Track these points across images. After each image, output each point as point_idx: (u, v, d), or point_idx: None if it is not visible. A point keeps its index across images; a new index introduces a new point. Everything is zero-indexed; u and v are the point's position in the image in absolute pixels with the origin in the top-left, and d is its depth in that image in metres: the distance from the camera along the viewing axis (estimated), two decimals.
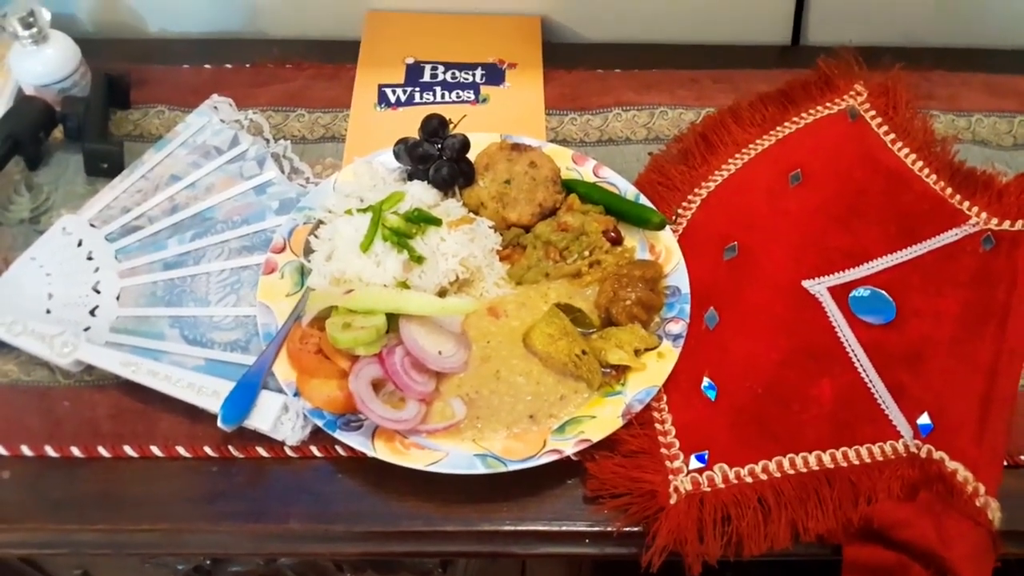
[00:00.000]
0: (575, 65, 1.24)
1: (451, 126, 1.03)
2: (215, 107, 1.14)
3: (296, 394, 0.87)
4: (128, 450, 0.87)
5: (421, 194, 1.00)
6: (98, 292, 0.97)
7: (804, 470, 0.85)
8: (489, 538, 0.84)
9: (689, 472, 0.84)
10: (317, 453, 0.87)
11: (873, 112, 1.14)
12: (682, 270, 0.97)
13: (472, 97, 1.19)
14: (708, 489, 0.83)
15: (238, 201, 1.05)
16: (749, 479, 0.84)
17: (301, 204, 1.02)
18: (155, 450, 0.87)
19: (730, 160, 1.10)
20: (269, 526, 0.84)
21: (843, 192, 1.06)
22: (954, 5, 1.26)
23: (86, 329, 0.94)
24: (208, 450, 0.87)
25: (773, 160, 1.10)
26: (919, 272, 0.99)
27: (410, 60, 1.23)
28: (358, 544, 0.85)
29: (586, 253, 0.99)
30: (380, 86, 1.19)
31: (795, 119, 1.14)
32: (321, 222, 1.00)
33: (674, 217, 1.05)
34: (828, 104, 1.15)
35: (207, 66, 1.23)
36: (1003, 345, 0.91)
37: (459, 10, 1.28)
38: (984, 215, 1.03)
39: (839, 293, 0.97)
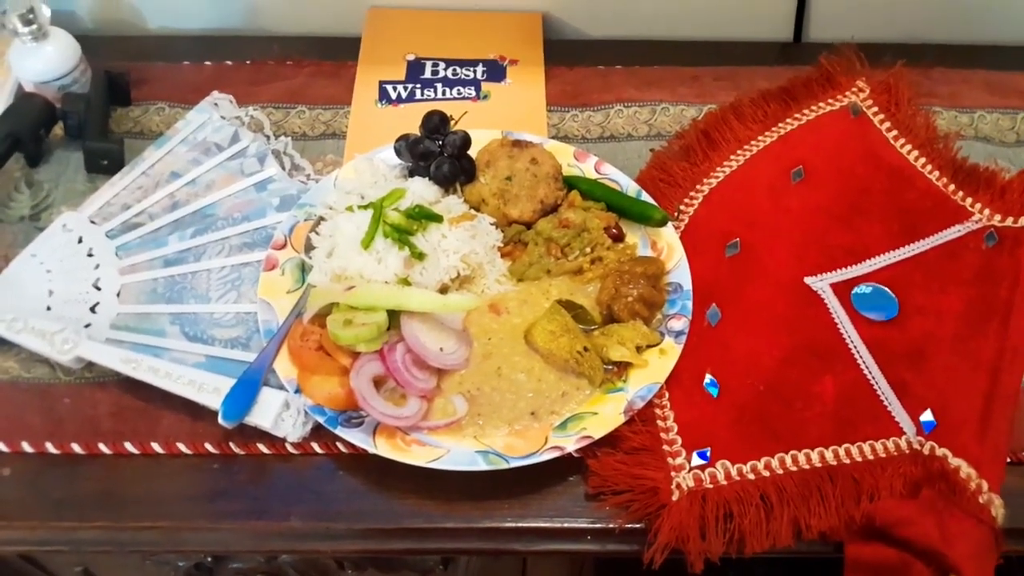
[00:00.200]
0: (576, 62, 1.24)
1: (452, 123, 1.03)
2: (215, 104, 1.14)
3: (297, 391, 0.87)
4: (129, 447, 0.87)
5: (422, 191, 1.00)
6: (99, 289, 0.97)
7: (806, 467, 0.85)
8: (491, 535, 0.84)
9: (691, 469, 0.84)
10: (318, 450, 0.87)
11: (875, 109, 1.13)
12: (684, 267, 0.97)
13: (473, 94, 1.18)
14: (710, 486, 0.83)
15: (239, 198, 1.05)
16: (751, 476, 0.84)
17: (302, 201, 1.01)
18: (156, 447, 0.87)
19: (732, 157, 1.10)
20: (270, 523, 0.84)
21: (845, 189, 1.06)
22: (956, 2, 1.26)
23: (87, 326, 0.93)
24: (209, 447, 0.87)
25: (775, 157, 1.10)
26: (922, 269, 0.99)
27: (411, 57, 1.23)
28: (359, 541, 0.85)
29: (588, 250, 0.99)
30: (381, 83, 1.19)
31: (797, 116, 1.14)
32: (322, 219, 1.00)
33: (676, 214, 1.05)
34: (830, 101, 1.15)
35: (207, 63, 1.23)
36: (1006, 342, 0.91)
37: (460, 6, 1.28)
38: (987, 212, 1.03)
39: (842, 290, 0.97)
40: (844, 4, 1.26)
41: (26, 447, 0.87)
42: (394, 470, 0.83)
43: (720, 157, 1.10)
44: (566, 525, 0.83)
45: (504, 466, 0.82)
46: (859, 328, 0.94)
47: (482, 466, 0.82)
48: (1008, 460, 0.85)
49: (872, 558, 0.80)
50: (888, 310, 0.96)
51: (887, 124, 1.12)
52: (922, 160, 1.08)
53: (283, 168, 1.09)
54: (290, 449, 0.87)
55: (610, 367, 0.90)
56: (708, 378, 0.90)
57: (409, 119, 1.07)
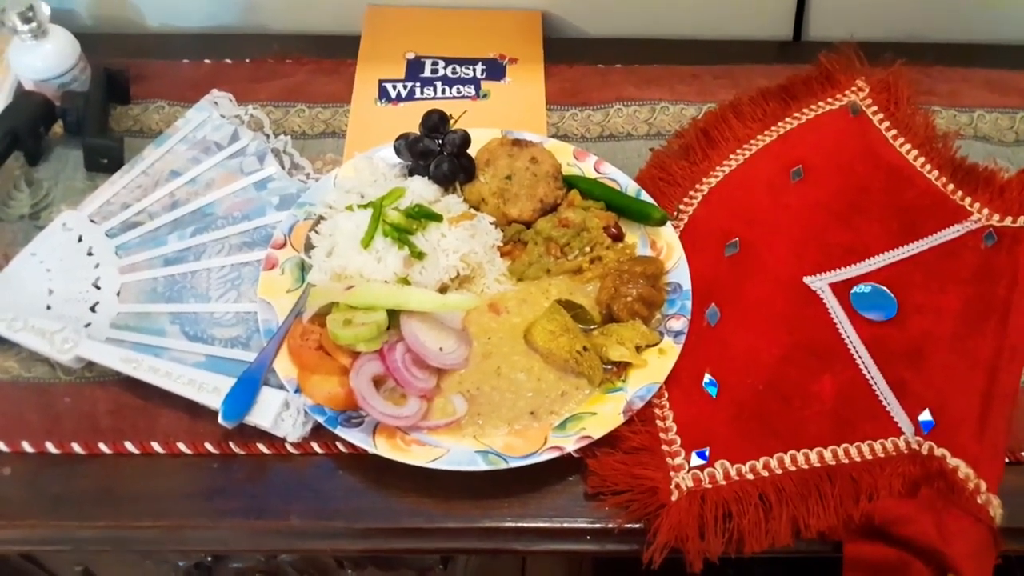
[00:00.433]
0: (576, 60, 1.24)
1: (452, 121, 1.03)
2: (215, 102, 1.14)
3: (297, 390, 0.87)
4: (129, 446, 0.87)
5: (422, 190, 1.00)
6: (98, 288, 0.97)
7: (805, 467, 0.85)
8: (490, 535, 0.84)
9: (690, 469, 0.84)
10: (318, 450, 0.87)
11: (875, 108, 1.13)
12: (683, 266, 0.97)
13: (473, 92, 1.18)
14: (709, 486, 0.83)
15: (238, 197, 1.05)
16: (750, 476, 0.84)
17: (301, 200, 1.01)
18: (156, 446, 0.87)
19: (731, 156, 1.10)
20: (270, 522, 0.84)
21: (844, 188, 1.06)
22: (955, 1, 1.25)
23: (87, 325, 0.93)
24: (209, 446, 0.87)
25: (774, 156, 1.10)
26: (921, 268, 0.99)
27: (411, 55, 1.23)
28: (359, 541, 0.85)
29: (587, 249, 0.99)
30: (380, 81, 1.19)
31: (796, 115, 1.14)
32: (322, 218, 1.00)
33: (675, 213, 1.05)
34: (829, 100, 1.15)
35: (207, 61, 1.23)
36: (1004, 341, 0.91)
37: (460, 5, 1.27)
38: (986, 211, 1.03)
39: (840, 289, 0.97)
40: (843, 3, 1.26)
41: (26, 446, 0.87)
42: (394, 469, 0.83)
43: (719, 156, 1.10)
44: (565, 525, 0.84)
45: (503, 466, 0.83)
46: (858, 327, 0.94)
47: (481, 466, 0.83)
48: (1006, 459, 0.85)
49: (871, 557, 0.80)
50: (887, 310, 0.96)
51: (886, 123, 1.12)
52: (921, 159, 1.08)
53: (283, 167, 1.09)
54: (290, 449, 0.87)
55: (609, 367, 0.91)
56: (707, 378, 0.91)
57: (409, 118, 1.07)
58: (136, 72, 1.17)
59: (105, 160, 1.07)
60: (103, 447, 0.87)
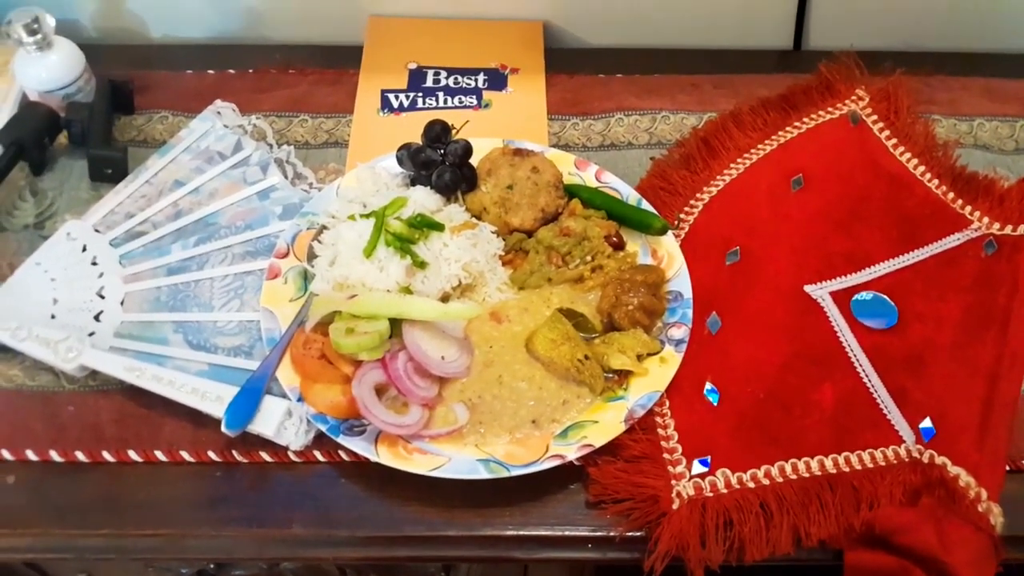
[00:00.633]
0: (577, 70, 1.25)
1: (453, 131, 1.03)
2: (218, 112, 1.15)
3: (299, 399, 0.87)
4: (132, 455, 0.87)
5: (424, 199, 1.00)
6: (102, 297, 0.97)
7: (806, 475, 0.85)
8: (491, 543, 0.84)
9: (691, 477, 0.85)
10: (320, 458, 0.88)
11: (875, 117, 1.14)
12: (684, 275, 0.97)
13: (474, 102, 1.19)
14: (710, 494, 0.84)
15: (241, 206, 1.06)
16: (751, 484, 0.84)
17: (304, 209, 1.02)
18: (159, 455, 0.87)
19: (732, 165, 1.10)
20: (272, 531, 0.84)
21: (845, 197, 1.06)
22: (955, 10, 1.26)
23: (90, 334, 0.94)
24: (212, 455, 0.88)
25: (775, 165, 1.10)
26: (921, 277, 0.99)
27: (413, 65, 1.23)
28: (361, 549, 0.86)
29: (588, 258, 0.99)
30: (383, 91, 1.20)
31: (796, 124, 1.14)
32: (324, 227, 1.00)
33: (676, 222, 1.05)
34: (830, 109, 1.16)
35: (210, 72, 1.23)
36: (1005, 350, 0.92)
37: (461, 15, 1.28)
38: (986, 220, 1.03)
39: (841, 298, 0.98)
40: (843, 12, 1.27)
41: (30, 455, 0.87)
42: (396, 478, 0.84)
43: (720, 165, 1.11)
44: (567, 533, 0.84)
45: (505, 474, 0.83)
46: (858, 336, 0.95)
47: (483, 474, 0.83)
48: (1007, 468, 0.85)
49: (872, 565, 0.80)
50: (887, 318, 0.96)
51: (886, 132, 1.12)
52: (921, 168, 1.09)
53: (286, 177, 1.09)
54: (292, 457, 0.87)
55: (611, 375, 0.91)
56: (708, 386, 0.91)
57: (411, 128, 1.08)
58: (140, 83, 1.18)
59: (109, 170, 1.08)
60: (107, 455, 0.87)
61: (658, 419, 0.89)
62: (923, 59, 1.23)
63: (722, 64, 1.26)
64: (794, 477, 0.85)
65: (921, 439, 0.86)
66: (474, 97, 1.19)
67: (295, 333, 0.91)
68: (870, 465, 0.86)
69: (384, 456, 0.84)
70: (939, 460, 0.84)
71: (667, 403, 0.90)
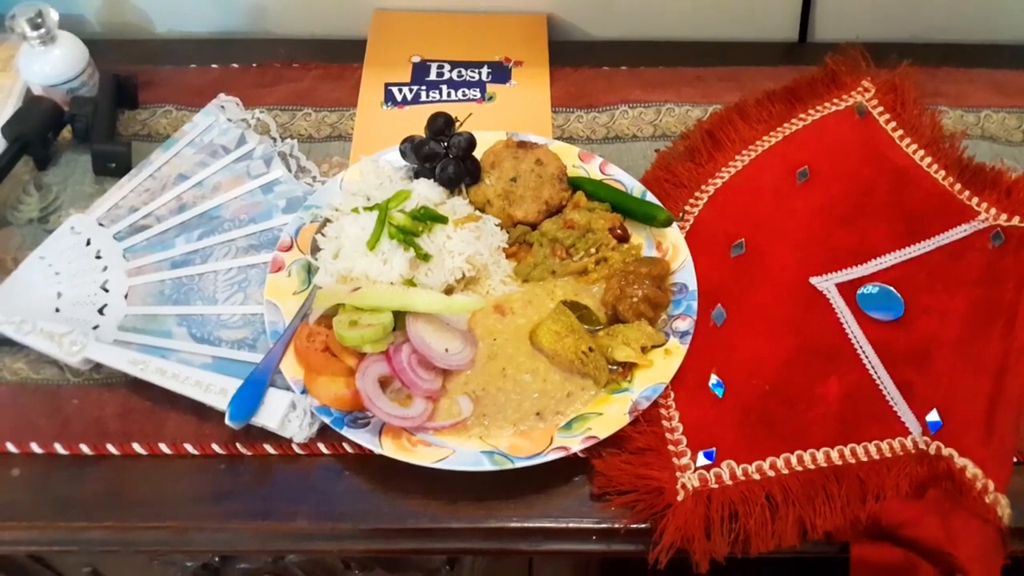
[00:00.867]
0: (581, 63, 1.24)
1: (457, 124, 1.03)
2: (222, 106, 1.15)
3: (303, 392, 0.87)
4: (136, 448, 0.87)
5: (427, 192, 1.00)
6: (106, 291, 0.98)
7: (812, 467, 0.85)
8: (496, 535, 0.84)
9: (696, 469, 0.84)
10: (324, 451, 0.88)
11: (881, 109, 1.13)
12: (689, 267, 0.97)
13: (478, 95, 1.19)
14: (715, 486, 0.83)
15: (245, 200, 1.06)
16: (756, 476, 0.84)
17: (308, 203, 1.02)
18: (163, 448, 0.88)
19: (737, 157, 1.10)
20: (277, 524, 0.84)
21: (851, 189, 1.06)
22: (961, 1, 1.25)
23: (95, 328, 0.94)
24: (216, 448, 0.88)
25: (780, 157, 1.10)
26: (927, 269, 0.99)
27: (416, 59, 1.23)
28: (365, 541, 0.86)
29: (592, 250, 0.99)
30: (386, 85, 1.20)
31: (802, 116, 1.14)
32: (328, 220, 1.00)
33: (681, 214, 1.05)
34: (835, 101, 1.15)
35: (214, 66, 1.24)
36: (1012, 342, 0.91)
37: (465, 9, 1.28)
38: (993, 211, 1.03)
39: (847, 290, 0.97)
40: (850, 4, 1.26)
41: (35, 448, 0.87)
42: (400, 470, 0.83)
43: (725, 158, 1.10)
44: (571, 525, 0.84)
45: (509, 466, 0.83)
46: (865, 328, 0.94)
47: (487, 466, 0.83)
48: (1014, 460, 0.85)
49: (878, 558, 0.80)
50: (894, 310, 0.96)
51: (892, 124, 1.12)
52: (928, 160, 1.08)
53: (289, 170, 1.09)
54: (296, 450, 0.87)
55: (615, 367, 0.91)
56: (713, 378, 0.90)
57: (414, 121, 1.08)
58: (144, 77, 1.19)
59: (113, 164, 1.08)
60: (111, 448, 0.87)
61: (663, 411, 0.89)
62: (929, 51, 1.23)
63: (727, 57, 1.26)
64: (799, 469, 0.84)
65: (928, 431, 0.86)
66: (478, 90, 1.19)
67: (299, 326, 0.91)
68: (876, 457, 0.85)
69: (388, 448, 0.83)
70: (946, 452, 0.83)
71: (672, 395, 0.89)
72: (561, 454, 0.83)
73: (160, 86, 1.20)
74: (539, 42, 1.25)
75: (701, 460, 0.85)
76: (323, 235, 0.99)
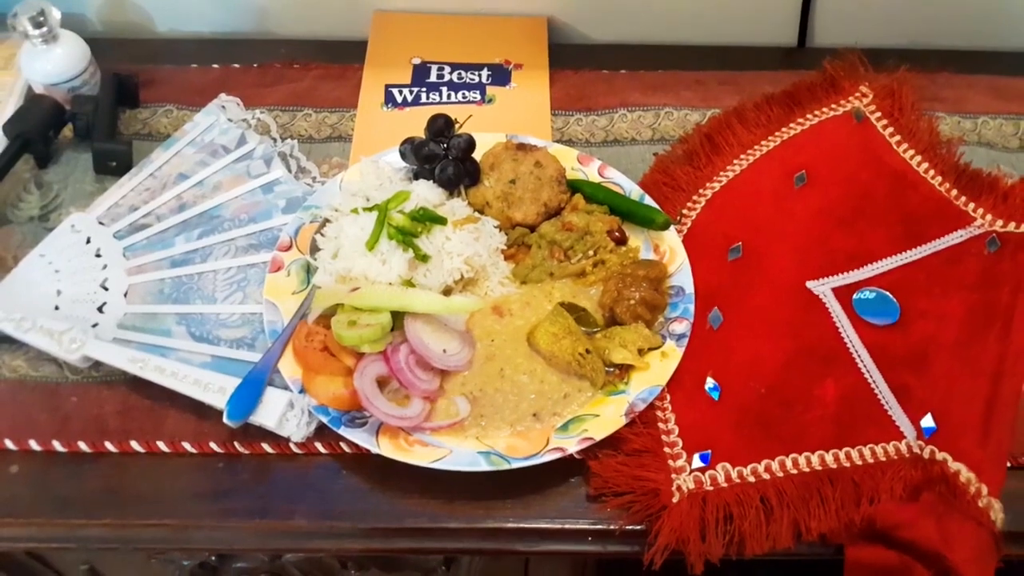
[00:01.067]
0: (581, 66, 1.25)
1: (457, 126, 1.04)
2: (223, 106, 1.15)
3: (301, 391, 0.87)
4: (135, 446, 0.88)
5: (426, 193, 1.00)
6: (106, 289, 0.98)
7: (807, 470, 0.85)
8: (492, 535, 0.85)
9: (692, 471, 0.85)
10: (322, 450, 0.88)
11: (879, 114, 1.14)
12: (686, 270, 0.97)
13: (478, 97, 1.19)
14: (711, 488, 0.84)
15: (245, 199, 1.06)
16: (752, 478, 0.84)
17: (307, 203, 1.02)
18: (162, 446, 0.88)
19: (735, 161, 1.10)
20: (274, 522, 0.84)
21: (848, 193, 1.06)
22: (961, 8, 1.26)
23: (94, 326, 0.94)
24: (214, 446, 0.88)
25: (778, 161, 1.10)
26: (924, 274, 0.99)
27: (416, 60, 1.24)
28: (362, 540, 0.86)
29: (590, 253, 0.99)
30: (387, 86, 1.20)
31: (800, 120, 1.14)
32: (327, 221, 1.00)
33: (679, 217, 1.05)
34: (833, 106, 1.16)
35: (215, 66, 1.24)
36: (1007, 347, 0.91)
37: (465, 11, 1.28)
38: (989, 217, 1.03)
39: (843, 294, 0.98)
40: (849, 9, 1.27)
41: (33, 445, 0.88)
42: (397, 470, 0.84)
43: (723, 161, 1.11)
44: (567, 526, 0.84)
45: (506, 467, 0.83)
46: (860, 332, 0.94)
47: (484, 467, 0.83)
48: (1008, 464, 0.85)
49: (872, 560, 0.80)
50: (890, 315, 0.96)
51: (890, 129, 1.12)
52: (925, 165, 1.09)
53: (289, 170, 1.10)
54: (294, 449, 0.88)
55: (612, 369, 0.91)
56: (710, 381, 0.91)
57: (414, 122, 1.08)
58: (145, 77, 1.19)
59: (114, 163, 1.08)
60: (110, 446, 0.88)
61: (659, 413, 0.89)
62: (928, 56, 1.23)
63: (726, 61, 1.26)
64: (795, 472, 0.85)
65: (922, 435, 0.86)
66: (478, 92, 1.20)
67: (297, 325, 0.92)
68: (871, 461, 0.86)
69: (385, 448, 0.84)
70: (940, 456, 0.84)
71: (668, 397, 0.90)
72: (558, 455, 0.84)
73: (161, 85, 1.20)
74: (539, 45, 1.26)
75: (696, 462, 0.85)
76: (322, 235, 0.99)
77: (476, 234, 0.98)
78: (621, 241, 1.01)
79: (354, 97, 1.19)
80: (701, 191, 1.08)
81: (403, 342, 0.89)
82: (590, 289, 0.98)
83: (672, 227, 1.01)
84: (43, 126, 1.08)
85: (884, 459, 0.86)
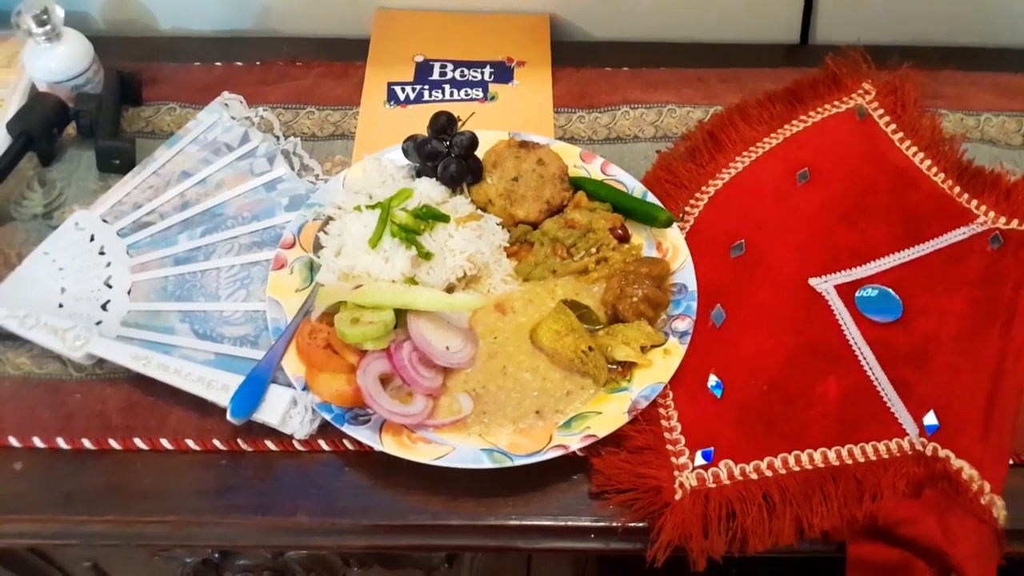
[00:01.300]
0: (583, 63, 1.25)
1: (459, 123, 1.04)
2: (226, 104, 1.15)
3: (305, 388, 0.87)
4: (138, 443, 0.88)
5: (429, 191, 1.01)
6: (110, 287, 0.98)
7: (809, 467, 0.85)
8: (495, 532, 0.85)
9: (694, 468, 0.85)
10: (325, 447, 0.88)
11: (881, 111, 1.14)
12: (689, 267, 0.97)
13: (481, 95, 1.19)
14: (713, 485, 0.84)
15: (248, 197, 1.06)
16: (754, 476, 0.84)
17: (310, 200, 1.02)
18: (165, 443, 0.88)
19: (737, 158, 1.10)
20: (277, 519, 0.84)
21: (850, 190, 1.06)
22: (962, 4, 1.26)
23: (98, 323, 0.94)
24: (217, 443, 0.88)
25: (781, 158, 1.10)
26: (926, 271, 0.99)
27: (419, 58, 1.24)
28: (365, 537, 0.86)
29: (593, 250, 0.99)
30: (389, 84, 1.20)
31: (803, 117, 1.14)
32: (330, 218, 1.01)
33: (681, 215, 1.05)
34: (836, 103, 1.15)
35: (218, 64, 1.24)
36: (1010, 344, 0.91)
37: (468, 8, 1.28)
38: (992, 214, 1.03)
39: (846, 291, 0.98)
40: (851, 6, 1.27)
41: (37, 442, 0.88)
42: (400, 467, 0.84)
43: (726, 159, 1.11)
44: (570, 523, 0.84)
45: (509, 464, 0.83)
46: (863, 329, 0.94)
47: (487, 464, 0.83)
48: (1011, 461, 0.85)
49: (874, 557, 0.80)
50: (892, 312, 0.96)
51: (893, 126, 1.12)
52: (927, 162, 1.08)
53: (292, 168, 1.10)
54: (297, 446, 0.88)
55: (614, 367, 0.91)
56: (712, 379, 0.91)
57: (417, 120, 1.08)
58: (148, 75, 1.19)
59: (117, 161, 1.09)
60: (113, 443, 0.88)
61: (661, 410, 0.89)
62: (930, 53, 1.23)
63: (729, 58, 1.26)
64: (797, 469, 0.85)
65: (925, 432, 0.86)
66: (480, 90, 1.20)
67: (301, 323, 0.92)
68: (873, 458, 0.86)
69: (388, 445, 0.84)
70: (942, 453, 0.84)
71: (670, 395, 0.90)
72: (560, 452, 0.84)
73: (164, 83, 1.20)
74: (542, 42, 1.26)
75: (699, 459, 0.85)
76: (325, 233, 0.99)
77: (479, 232, 0.98)
78: (624, 238, 1.01)
79: (357, 95, 1.19)
80: (704, 188, 1.08)
81: (406, 339, 0.89)
82: (593, 286, 0.98)
83: (675, 224, 1.01)
84: (47, 124, 1.08)
85: (886, 456, 0.86)
